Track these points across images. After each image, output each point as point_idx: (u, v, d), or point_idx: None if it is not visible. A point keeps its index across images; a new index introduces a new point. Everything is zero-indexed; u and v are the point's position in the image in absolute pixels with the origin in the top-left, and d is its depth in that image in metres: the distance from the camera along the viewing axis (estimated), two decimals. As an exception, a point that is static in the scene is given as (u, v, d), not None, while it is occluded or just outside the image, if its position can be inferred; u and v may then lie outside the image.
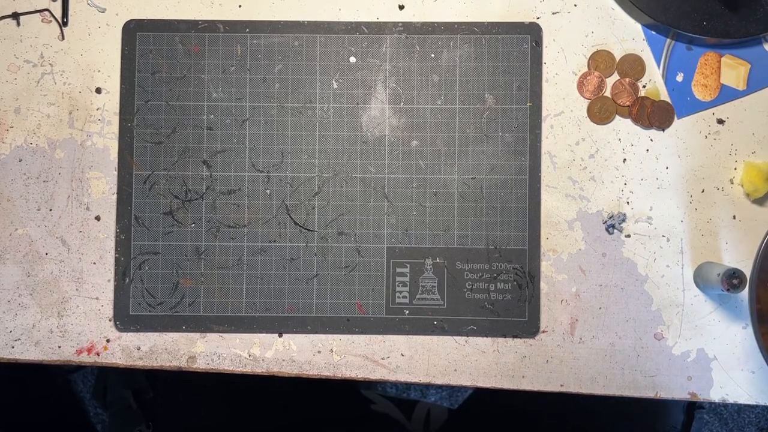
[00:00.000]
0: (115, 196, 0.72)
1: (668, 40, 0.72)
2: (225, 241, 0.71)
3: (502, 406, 1.03)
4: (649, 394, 0.71)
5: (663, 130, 0.72)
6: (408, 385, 1.43)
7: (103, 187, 0.72)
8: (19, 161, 0.72)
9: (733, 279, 0.64)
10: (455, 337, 0.72)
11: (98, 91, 0.72)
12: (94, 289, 0.72)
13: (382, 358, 0.71)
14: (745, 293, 0.70)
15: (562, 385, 0.71)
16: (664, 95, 0.72)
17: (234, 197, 0.71)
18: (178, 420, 1.02)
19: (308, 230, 0.71)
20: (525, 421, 1.00)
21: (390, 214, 0.71)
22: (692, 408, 0.98)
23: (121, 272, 0.71)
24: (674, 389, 0.71)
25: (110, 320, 0.71)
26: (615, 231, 0.71)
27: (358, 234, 0.71)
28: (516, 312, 0.71)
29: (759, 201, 0.71)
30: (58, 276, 0.71)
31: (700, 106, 0.72)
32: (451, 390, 1.46)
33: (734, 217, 0.72)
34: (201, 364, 0.71)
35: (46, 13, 0.72)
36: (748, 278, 0.64)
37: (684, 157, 0.72)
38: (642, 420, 0.97)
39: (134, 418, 1.06)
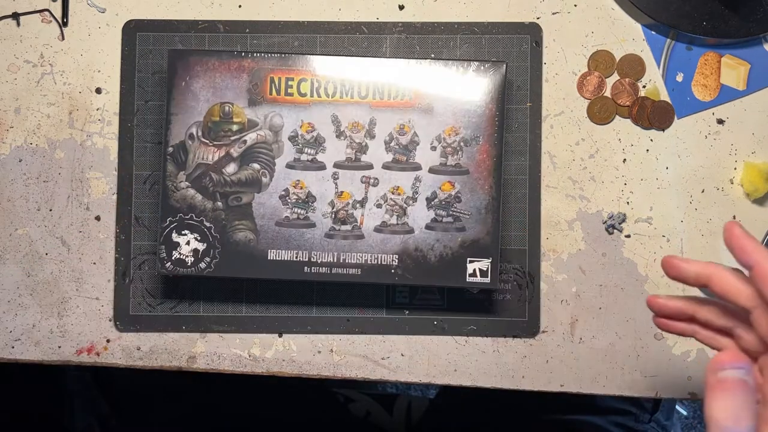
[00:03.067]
0: (115, 196, 0.72)
1: (668, 40, 0.72)
2: (225, 241, 0.71)
3: (481, 390, 1.03)
4: (649, 394, 0.71)
5: (663, 130, 0.72)
6: (408, 385, 1.43)
7: (103, 187, 0.72)
8: (19, 161, 0.72)
9: (732, 279, 0.64)
10: (455, 337, 0.72)
11: (98, 91, 0.72)
12: (94, 289, 0.72)
13: (382, 358, 0.71)
14: (744, 293, 0.70)
15: (562, 385, 0.71)
16: (664, 95, 0.72)
17: (234, 197, 0.71)
18: None
19: (308, 230, 0.71)
20: (505, 403, 1.00)
21: (390, 215, 0.71)
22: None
23: (121, 272, 0.71)
24: (674, 389, 0.71)
25: (110, 320, 0.72)
26: (615, 231, 0.71)
27: (358, 234, 0.71)
28: (516, 312, 0.71)
29: (759, 201, 0.71)
30: (58, 276, 0.72)
31: (700, 106, 0.72)
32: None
33: (734, 217, 0.72)
34: (201, 364, 0.71)
35: (46, 13, 0.72)
36: (747, 279, 0.64)
37: (684, 157, 0.72)
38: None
39: None
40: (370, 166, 0.66)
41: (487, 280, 0.66)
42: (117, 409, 1.04)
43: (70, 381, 1.06)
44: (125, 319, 0.71)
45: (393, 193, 0.66)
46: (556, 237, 0.72)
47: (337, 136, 0.66)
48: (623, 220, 0.71)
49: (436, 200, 0.66)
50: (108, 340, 0.72)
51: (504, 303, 0.71)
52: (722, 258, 0.71)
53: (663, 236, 0.72)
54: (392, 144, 0.66)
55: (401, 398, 1.13)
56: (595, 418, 0.95)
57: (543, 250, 0.72)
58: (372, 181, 0.66)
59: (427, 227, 0.66)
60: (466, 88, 0.66)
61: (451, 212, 0.66)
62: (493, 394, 1.01)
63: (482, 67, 0.66)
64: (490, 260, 0.66)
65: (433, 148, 0.66)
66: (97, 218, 0.72)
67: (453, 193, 0.66)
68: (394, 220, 0.66)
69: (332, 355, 0.72)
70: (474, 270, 0.66)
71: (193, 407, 1.00)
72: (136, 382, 1.01)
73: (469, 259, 0.66)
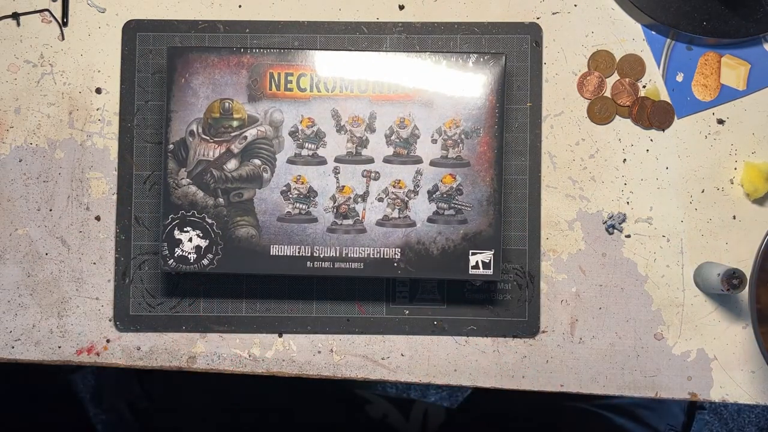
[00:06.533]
0: (115, 196, 0.72)
1: (668, 40, 0.72)
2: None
3: (501, 406, 1.03)
4: (649, 394, 0.71)
5: (663, 130, 0.72)
6: (408, 385, 1.43)
7: (103, 187, 0.72)
8: (19, 161, 0.72)
9: (733, 279, 0.64)
10: (455, 337, 0.71)
11: (98, 91, 0.72)
12: (94, 289, 0.71)
13: (382, 358, 0.71)
14: (745, 293, 0.70)
15: (562, 385, 0.71)
16: (664, 95, 0.72)
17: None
18: (175, 430, 1.02)
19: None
20: (524, 420, 1.00)
21: (390, 214, 0.71)
22: (693, 408, 0.98)
23: (121, 272, 0.71)
24: (674, 389, 0.71)
25: (110, 320, 0.71)
26: (615, 231, 0.71)
27: (358, 234, 0.71)
28: (516, 312, 0.71)
29: (759, 201, 0.71)
30: (58, 276, 0.71)
31: (700, 106, 0.72)
32: (451, 390, 1.46)
33: (734, 217, 0.72)
34: (201, 365, 0.71)
35: (46, 13, 0.72)
36: (748, 278, 0.64)
37: (684, 157, 0.72)
38: (641, 417, 0.97)
39: (128, 430, 1.06)
40: (371, 160, 0.66)
41: (490, 272, 0.66)
42: (148, 392, 1.04)
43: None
44: (125, 319, 0.71)
45: (394, 187, 0.66)
46: (556, 237, 0.72)
47: (337, 131, 0.66)
48: (623, 220, 0.71)
49: (438, 193, 0.66)
50: (108, 340, 0.71)
51: (504, 303, 0.71)
52: (722, 258, 0.71)
53: (663, 236, 0.71)
54: (393, 137, 0.66)
55: (418, 404, 1.13)
56: None
57: (543, 250, 0.72)
58: (373, 174, 0.66)
59: (429, 220, 0.66)
60: (466, 81, 0.66)
61: (452, 205, 0.66)
62: (514, 412, 1.01)
63: (482, 59, 0.66)
64: (492, 252, 0.66)
65: (434, 141, 0.66)
66: (97, 218, 0.72)
67: (454, 186, 0.66)
68: (395, 214, 0.66)
69: (332, 355, 0.71)
70: (477, 262, 0.66)
71: (212, 398, 1.01)
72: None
73: (471, 251, 0.66)
